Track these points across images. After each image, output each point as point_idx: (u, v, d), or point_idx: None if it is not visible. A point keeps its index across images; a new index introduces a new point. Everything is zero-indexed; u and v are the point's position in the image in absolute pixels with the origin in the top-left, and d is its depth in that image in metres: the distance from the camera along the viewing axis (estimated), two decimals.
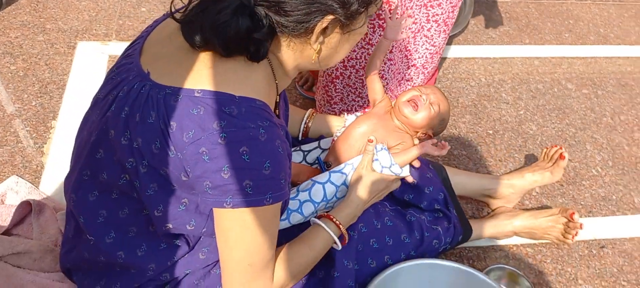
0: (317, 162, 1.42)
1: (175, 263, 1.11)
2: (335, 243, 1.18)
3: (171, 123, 0.88)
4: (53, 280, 1.28)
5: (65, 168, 1.13)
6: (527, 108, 2.15)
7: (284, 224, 1.25)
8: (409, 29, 1.68)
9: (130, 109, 0.91)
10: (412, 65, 1.81)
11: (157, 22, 1.05)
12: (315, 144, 1.45)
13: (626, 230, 1.72)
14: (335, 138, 1.42)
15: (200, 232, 1.02)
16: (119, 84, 0.96)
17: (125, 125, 0.92)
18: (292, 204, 1.25)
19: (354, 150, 1.36)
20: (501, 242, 1.61)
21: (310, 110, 1.50)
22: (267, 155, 0.89)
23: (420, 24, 1.70)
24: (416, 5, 1.63)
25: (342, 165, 1.32)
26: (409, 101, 1.38)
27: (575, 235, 1.52)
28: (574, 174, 1.89)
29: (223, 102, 0.88)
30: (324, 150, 1.44)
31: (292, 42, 0.94)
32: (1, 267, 1.26)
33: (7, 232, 1.38)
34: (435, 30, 1.73)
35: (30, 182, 1.58)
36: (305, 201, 1.26)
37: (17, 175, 1.59)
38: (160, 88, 0.90)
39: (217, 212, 0.95)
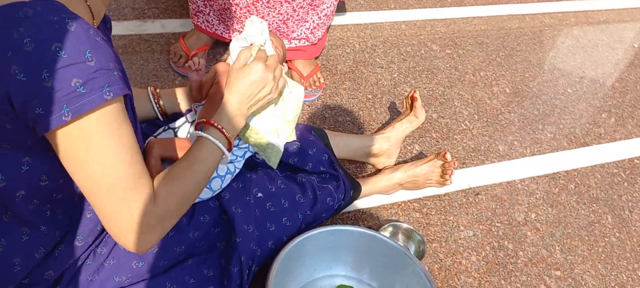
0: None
1: (51, 256, 1.01)
2: (223, 154, 1.09)
3: None
4: None
5: None
6: (400, 71, 2.27)
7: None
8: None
9: None
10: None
11: None
12: (183, 119, 1.43)
13: (495, 177, 1.90)
14: (196, 108, 1.41)
15: (57, 183, 0.92)
16: None
17: None
18: None
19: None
20: (390, 201, 1.71)
21: (149, 88, 1.44)
22: (84, 45, 0.80)
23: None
24: None
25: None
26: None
27: (451, 173, 1.64)
28: (447, 130, 2.05)
29: (14, 10, 0.78)
30: (192, 122, 1.42)
31: None
32: None
33: None
34: None
35: None
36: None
37: None
38: None
39: (57, 135, 0.82)
